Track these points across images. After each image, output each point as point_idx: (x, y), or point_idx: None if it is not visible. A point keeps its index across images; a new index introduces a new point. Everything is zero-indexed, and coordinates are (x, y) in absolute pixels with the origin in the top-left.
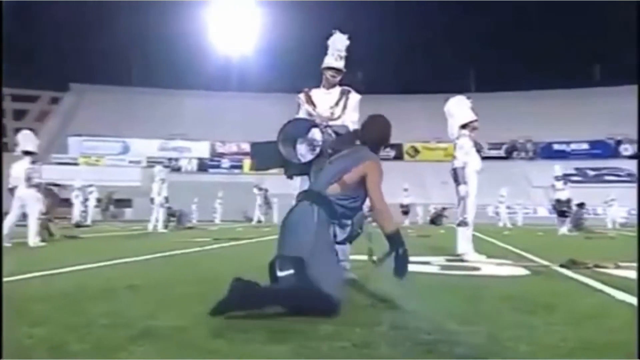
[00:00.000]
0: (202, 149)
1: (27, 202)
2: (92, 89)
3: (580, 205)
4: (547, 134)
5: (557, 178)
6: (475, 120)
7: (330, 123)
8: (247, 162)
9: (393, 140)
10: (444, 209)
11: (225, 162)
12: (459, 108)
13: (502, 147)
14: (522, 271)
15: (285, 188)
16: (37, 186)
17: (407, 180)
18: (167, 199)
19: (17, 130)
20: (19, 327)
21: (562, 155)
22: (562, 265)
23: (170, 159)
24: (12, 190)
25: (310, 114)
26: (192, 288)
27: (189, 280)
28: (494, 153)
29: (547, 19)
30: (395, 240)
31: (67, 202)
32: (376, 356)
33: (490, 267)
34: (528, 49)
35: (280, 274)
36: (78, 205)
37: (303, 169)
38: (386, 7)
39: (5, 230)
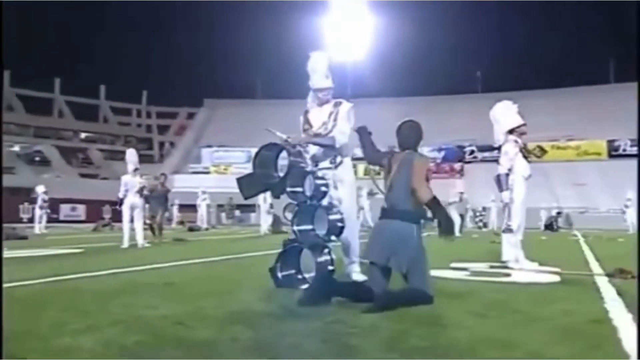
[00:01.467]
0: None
1: (136, 210)
2: (222, 103)
3: None
4: None
5: None
6: (522, 125)
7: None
8: (360, 167)
9: None
10: (558, 213)
11: None
12: (504, 113)
13: None
14: (551, 279)
15: None
16: (141, 195)
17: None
18: (272, 205)
19: (162, 143)
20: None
21: None
22: (608, 275)
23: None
24: (121, 200)
25: (306, 132)
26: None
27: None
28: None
29: None
30: (434, 208)
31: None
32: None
33: (523, 275)
34: None
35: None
36: (200, 211)
37: (284, 187)
38: (504, 5)
39: (125, 235)
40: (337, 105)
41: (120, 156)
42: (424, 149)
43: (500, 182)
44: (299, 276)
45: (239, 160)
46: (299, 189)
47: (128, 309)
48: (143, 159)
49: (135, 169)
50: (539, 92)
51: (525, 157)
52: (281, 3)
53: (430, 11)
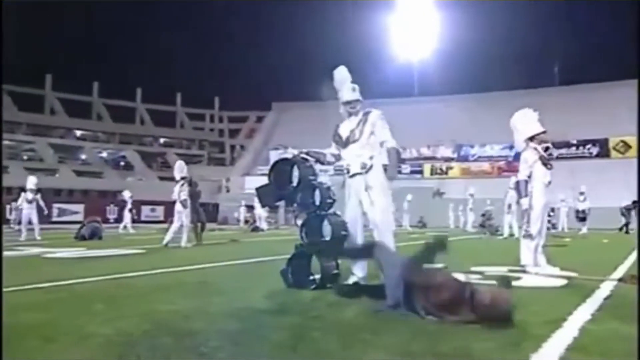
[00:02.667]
0: (383, 156)
1: (181, 215)
2: (289, 106)
3: None
4: None
5: None
6: (542, 133)
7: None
8: (427, 167)
9: (595, 135)
10: (627, 210)
11: (406, 168)
12: (523, 121)
13: None
14: (557, 283)
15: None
16: (184, 202)
17: (614, 181)
18: None
19: (233, 147)
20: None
21: None
22: (619, 280)
23: None
24: (173, 203)
25: (336, 143)
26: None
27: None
28: None
29: None
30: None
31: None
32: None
33: (532, 279)
34: None
35: None
36: (258, 211)
37: (296, 197)
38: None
39: (168, 236)
40: (366, 114)
41: (195, 159)
42: (495, 147)
43: (520, 189)
44: (310, 277)
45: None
46: (309, 200)
47: (151, 304)
48: (215, 161)
49: (182, 178)
50: (619, 84)
51: (544, 164)
52: (346, 3)
53: (499, 4)
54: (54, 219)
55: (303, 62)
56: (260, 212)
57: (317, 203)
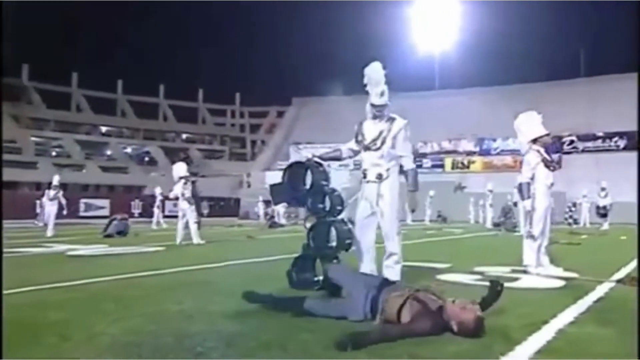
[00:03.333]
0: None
1: (186, 212)
2: (309, 101)
3: None
4: None
5: None
6: (546, 135)
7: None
8: (448, 161)
9: (622, 127)
10: None
11: (427, 162)
12: (527, 124)
13: None
14: (554, 284)
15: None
16: (189, 200)
17: None
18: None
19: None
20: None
21: None
22: (618, 281)
23: None
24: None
25: (359, 143)
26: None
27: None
28: None
29: None
30: None
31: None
32: None
33: (530, 280)
34: None
35: None
36: (277, 208)
37: (307, 199)
38: None
39: (178, 235)
40: (390, 121)
41: (217, 155)
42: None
43: (522, 191)
44: (314, 279)
45: None
46: (319, 205)
47: (160, 304)
48: (237, 157)
49: (181, 177)
50: None
51: (547, 166)
52: None
53: None
54: (81, 213)
55: (323, 57)
56: (278, 207)
57: (327, 209)
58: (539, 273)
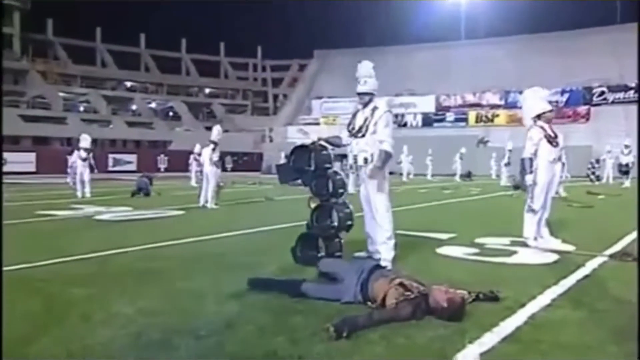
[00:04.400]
0: (427, 103)
1: (209, 176)
2: (331, 53)
3: None
4: None
5: None
6: (549, 111)
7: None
8: (472, 115)
9: None
10: None
11: (450, 116)
12: (531, 99)
13: None
14: (547, 259)
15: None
16: (216, 164)
17: None
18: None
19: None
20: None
21: None
22: (610, 256)
23: (396, 115)
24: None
25: (350, 132)
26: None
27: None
28: None
29: None
30: None
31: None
32: None
33: (525, 255)
34: None
35: None
36: None
37: (311, 180)
38: None
39: (202, 198)
40: (373, 110)
41: (240, 109)
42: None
43: (524, 166)
44: (317, 255)
45: (346, 111)
46: (323, 188)
47: (173, 282)
48: (259, 111)
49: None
50: None
51: (550, 142)
52: None
53: None
54: (110, 168)
55: (346, 9)
56: None
57: (330, 191)
58: (537, 246)
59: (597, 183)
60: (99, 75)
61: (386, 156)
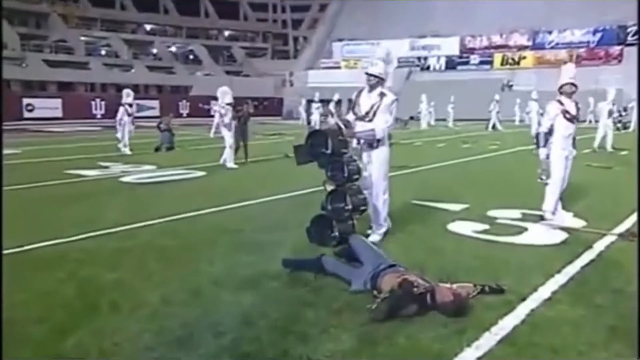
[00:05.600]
0: (451, 46)
1: (225, 137)
2: None
3: None
4: None
5: None
6: (569, 85)
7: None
8: (497, 57)
9: None
10: None
11: (475, 58)
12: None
13: None
14: (554, 240)
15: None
16: (227, 126)
17: None
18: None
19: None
20: None
21: None
22: (620, 235)
23: (419, 58)
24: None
25: (355, 114)
26: None
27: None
28: None
29: None
30: None
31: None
32: None
33: (534, 234)
34: None
35: None
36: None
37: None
38: None
39: (222, 157)
40: (381, 96)
41: (260, 53)
42: (577, 33)
43: (539, 140)
44: (332, 235)
45: (368, 54)
46: (339, 173)
47: (194, 263)
48: (279, 54)
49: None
50: None
51: (566, 117)
52: None
53: None
54: (135, 114)
55: None
56: (317, 117)
57: (346, 176)
58: (550, 222)
59: (622, 131)
60: (118, 18)
61: (371, 135)
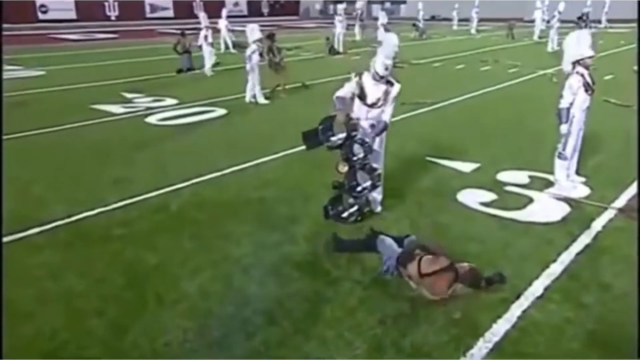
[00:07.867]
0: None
1: (250, 75)
2: None
3: None
4: None
5: None
6: (588, 57)
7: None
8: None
9: None
10: None
11: None
12: (574, 43)
13: None
14: (558, 215)
15: None
16: (253, 67)
17: None
18: None
19: None
20: None
21: None
22: (620, 210)
23: None
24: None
25: (362, 101)
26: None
27: None
28: None
29: None
30: None
31: None
32: None
33: (538, 206)
34: None
35: None
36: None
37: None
38: None
39: (248, 94)
40: (389, 84)
41: None
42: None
43: (562, 115)
44: (346, 213)
45: None
46: (352, 154)
47: (223, 248)
48: None
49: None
50: None
51: (586, 90)
52: None
53: None
54: (147, 15)
55: None
56: (340, 30)
57: (360, 157)
58: (555, 191)
59: None
60: None
61: (384, 128)
